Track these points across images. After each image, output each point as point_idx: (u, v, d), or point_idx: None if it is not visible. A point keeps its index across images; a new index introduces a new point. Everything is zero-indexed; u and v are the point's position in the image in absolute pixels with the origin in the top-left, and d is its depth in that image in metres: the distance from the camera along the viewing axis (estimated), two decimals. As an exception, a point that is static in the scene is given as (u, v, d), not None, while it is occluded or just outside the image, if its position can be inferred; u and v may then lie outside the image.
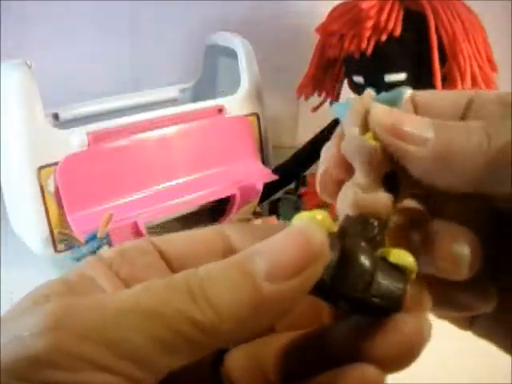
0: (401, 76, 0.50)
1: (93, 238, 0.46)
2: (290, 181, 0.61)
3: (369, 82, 0.52)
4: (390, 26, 0.49)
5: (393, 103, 0.18)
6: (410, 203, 0.20)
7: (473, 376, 0.36)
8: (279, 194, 0.60)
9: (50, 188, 0.47)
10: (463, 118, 0.19)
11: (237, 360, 0.18)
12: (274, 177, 0.56)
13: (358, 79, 0.53)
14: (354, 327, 0.17)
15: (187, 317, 0.14)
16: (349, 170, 0.19)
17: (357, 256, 0.16)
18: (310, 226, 0.15)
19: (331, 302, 0.17)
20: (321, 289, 0.16)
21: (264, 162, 0.60)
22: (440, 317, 0.21)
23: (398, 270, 0.17)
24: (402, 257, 0.17)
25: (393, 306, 0.16)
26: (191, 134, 0.54)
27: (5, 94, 0.46)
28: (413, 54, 0.50)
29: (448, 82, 0.50)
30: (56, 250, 0.48)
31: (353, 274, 0.16)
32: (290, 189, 0.61)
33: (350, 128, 0.18)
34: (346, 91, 0.58)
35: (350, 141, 0.18)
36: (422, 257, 0.18)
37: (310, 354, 0.18)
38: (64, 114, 0.56)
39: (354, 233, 0.17)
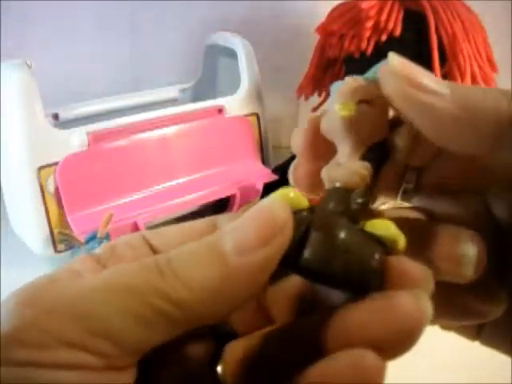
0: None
1: (93, 237, 0.46)
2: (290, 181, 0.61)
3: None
4: (390, 26, 0.49)
5: None
6: (407, 212, 0.20)
7: (473, 376, 0.36)
8: (279, 194, 0.60)
9: (50, 188, 0.47)
10: None
11: (234, 355, 0.18)
12: (274, 177, 0.56)
13: (358, 79, 0.53)
14: (340, 311, 0.16)
15: (159, 291, 0.14)
16: (317, 156, 0.18)
17: (323, 228, 0.16)
18: (272, 201, 0.16)
19: (308, 278, 0.17)
20: (291, 263, 0.16)
21: (264, 162, 0.60)
22: (446, 328, 0.20)
23: (379, 242, 0.16)
24: (383, 227, 0.16)
25: (367, 279, 0.15)
26: (191, 134, 0.54)
27: (5, 94, 0.46)
28: (413, 54, 0.50)
29: (448, 82, 0.50)
30: (56, 250, 0.48)
31: (317, 247, 0.16)
32: (289, 189, 0.61)
33: (331, 106, 0.18)
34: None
35: (329, 118, 0.18)
36: (423, 259, 0.17)
37: (295, 344, 0.17)
38: (64, 114, 0.56)
39: (324, 206, 0.17)
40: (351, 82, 0.18)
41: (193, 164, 0.55)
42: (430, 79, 0.17)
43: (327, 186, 0.18)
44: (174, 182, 0.53)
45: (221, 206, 0.55)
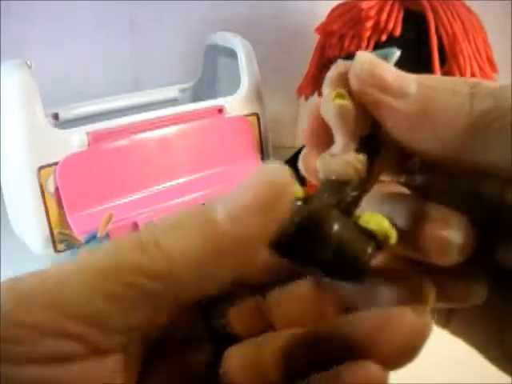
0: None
1: (93, 237, 0.46)
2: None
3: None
4: (390, 25, 0.49)
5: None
6: (396, 188, 0.19)
7: (473, 376, 0.36)
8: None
9: (50, 188, 0.47)
10: None
11: (234, 360, 0.18)
12: (274, 177, 0.56)
13: (358, 79, 0.53)
14: (355, 322, 0.16)
15: (136, 266, 0.13)
16: (324, 144, 0.18)
17: (317, 219, 0.16)
18: (272, 167, 0.15)
19: (299, 265, 0.17)
20: (283, 249, 0.16)
21: (264, 162, 0.60)
22: None
23: (370, 235, 0.16)
24: (375, 221, 0.16)
25: (357, 271, 0.15)
26: (191, 134, 0.54)
27: (5, 94, 0.46)
28: (413, 54, 0.50)
29: (448, 81, 0.50)
30: (56, 250, 0.48)
31: (310, 237, 0.16)
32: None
33: (324, 91, 0.18)
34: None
35: (323, 105, 0.18)
36: (409, 239, 0.17)
37: (311, 353, 0.17)
38: (64, 114, 0.56)
39: (319, 197, 0.17)
40: (341, 66, 0.18)
41: (193, 164, 0.55)
42: (395, 77, 0.16)
43: (322, 176, 0.17)
44: (174, 182, 0.53)
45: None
